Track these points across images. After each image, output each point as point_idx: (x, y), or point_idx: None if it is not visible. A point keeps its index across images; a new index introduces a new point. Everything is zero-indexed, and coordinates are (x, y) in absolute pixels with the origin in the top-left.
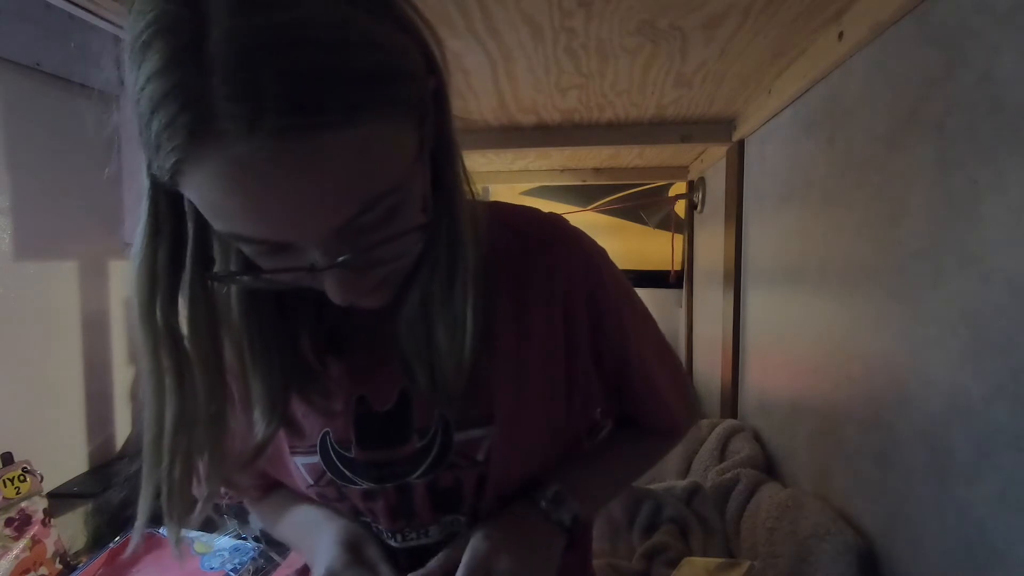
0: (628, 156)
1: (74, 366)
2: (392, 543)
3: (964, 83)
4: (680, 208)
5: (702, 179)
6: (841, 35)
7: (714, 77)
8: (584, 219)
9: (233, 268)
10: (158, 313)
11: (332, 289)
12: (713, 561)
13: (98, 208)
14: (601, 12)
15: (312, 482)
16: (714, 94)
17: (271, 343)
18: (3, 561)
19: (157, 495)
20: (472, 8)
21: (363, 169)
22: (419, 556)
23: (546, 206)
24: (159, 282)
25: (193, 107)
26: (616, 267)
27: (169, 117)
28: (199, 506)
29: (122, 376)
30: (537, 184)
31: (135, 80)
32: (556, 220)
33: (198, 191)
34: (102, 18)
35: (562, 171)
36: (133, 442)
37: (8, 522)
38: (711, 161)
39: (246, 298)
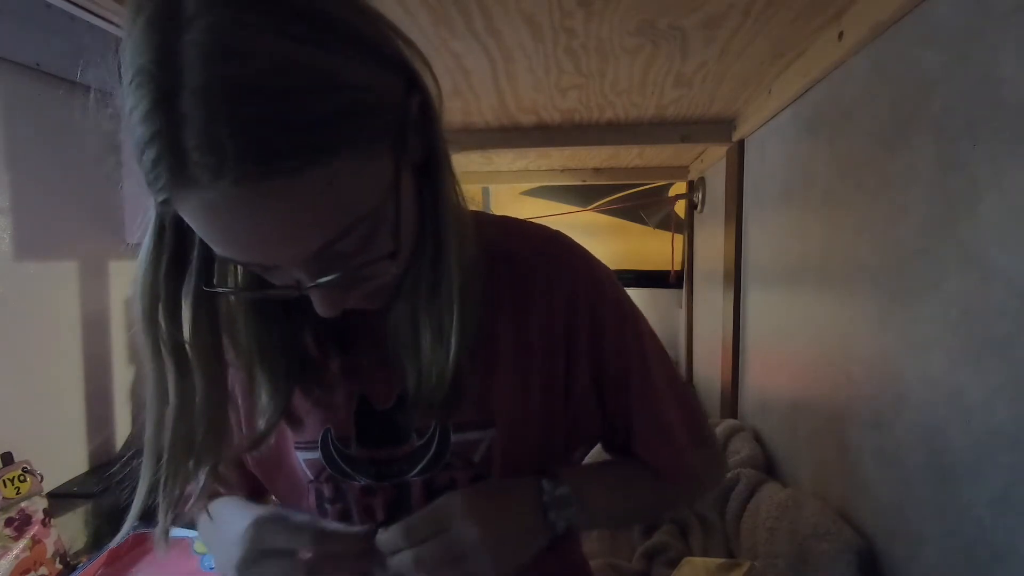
0: (628, 156)
1: (74, 366)
2: None
3: (964, 83)
4: (680, 208)
5: (702, 179)
6: (841, 35)
7: (714, 77)
8: (584, 219)
9: (234, 278)
10: (160, 319)
11: (317, 304)
12: (713, 561)
13: (98, 208)
14: (601, 12)
15: (312, 477)
16: (714, 94)
17: (276, 337)
18: (3, 561)
19: (154, 488)
20: (472, 8)
21: (329, 204)
22: None
23: (546, 206)
24: (162, 289)
25: (170, 155)
26: (623, 289)
27: (152, 160)
28: (192, 501)
29: (122, 376)
30: (537, 184)
31: (128, 116)
32: (561, 236)
33: (188, 219)
34: (102, 18)
35: (562, 171)
36: (133, 442)
37: (8, 522)
38: (711, 161)
39: (252, 300)
